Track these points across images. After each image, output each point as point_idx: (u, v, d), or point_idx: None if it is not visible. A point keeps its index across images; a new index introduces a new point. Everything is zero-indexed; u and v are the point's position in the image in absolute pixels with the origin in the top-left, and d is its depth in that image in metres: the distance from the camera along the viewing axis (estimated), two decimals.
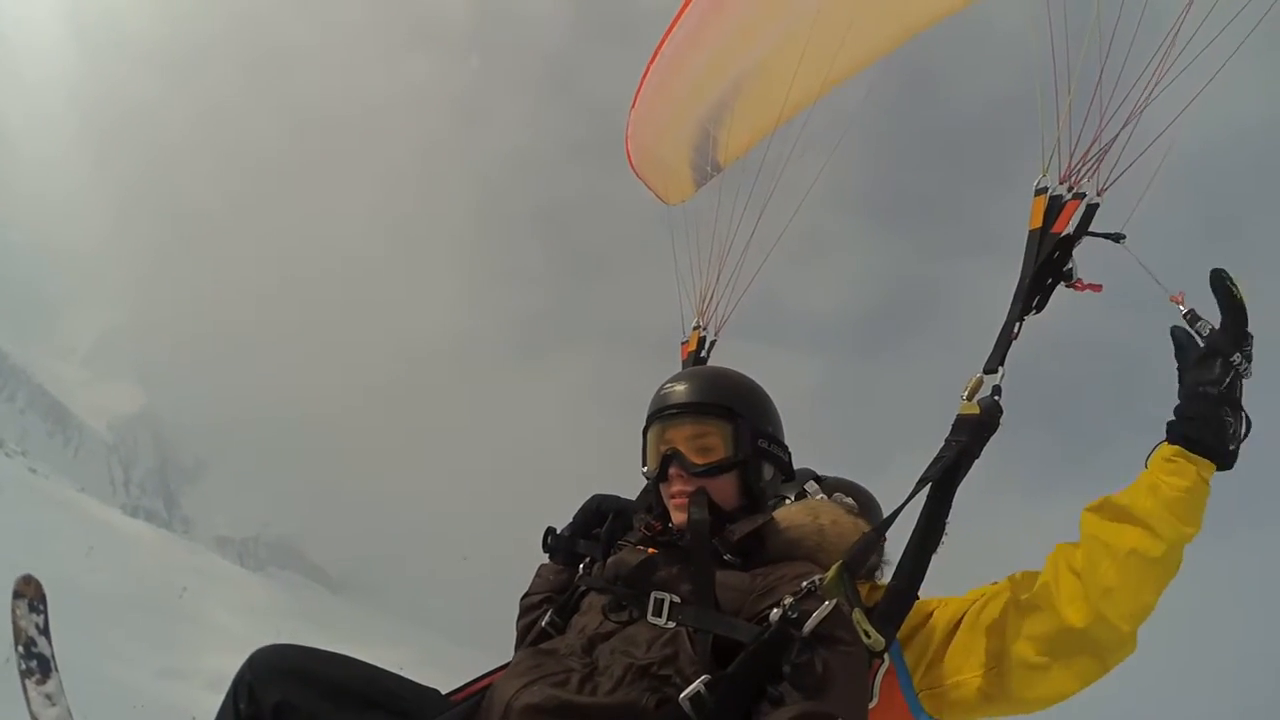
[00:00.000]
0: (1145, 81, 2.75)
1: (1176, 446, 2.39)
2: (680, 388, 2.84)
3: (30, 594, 3.58)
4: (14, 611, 3.54)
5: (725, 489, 2.74)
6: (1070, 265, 2.76)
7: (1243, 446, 2.40)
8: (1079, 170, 2.82)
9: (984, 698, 2.50)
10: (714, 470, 2.73)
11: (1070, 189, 2.82)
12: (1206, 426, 2.35)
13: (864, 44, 3.99)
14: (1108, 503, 2.44)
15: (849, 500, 3.31)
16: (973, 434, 2.52)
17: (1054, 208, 2.81)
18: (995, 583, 2.67)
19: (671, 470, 2.77)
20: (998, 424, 2.55)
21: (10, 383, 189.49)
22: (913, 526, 2.54)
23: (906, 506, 2.51)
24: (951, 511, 2.54)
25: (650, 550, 2.69)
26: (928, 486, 2.50)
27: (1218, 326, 2.46)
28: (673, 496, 2.77)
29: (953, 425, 2.59)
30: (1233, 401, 2.38)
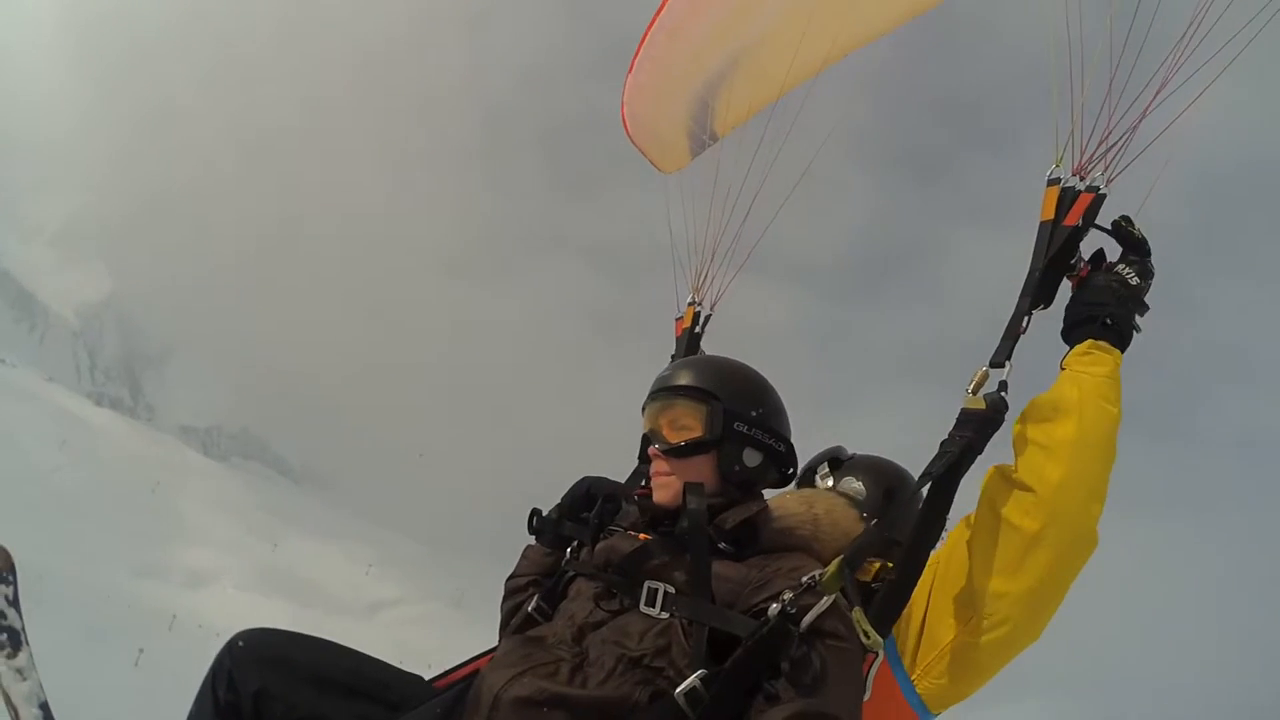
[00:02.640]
0: (1163, 72, 2.71)
1: (1090, 341, 2.55)
2: (668, 373, 2.81)
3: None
4: None
5: (701, 471, 2.64)
6: (1077, 258, 2.73)
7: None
8: (1092, 162, 2.75)
9: (973, 649, 2.49)
10: (684, 450, 2.64)
11: (1083, 180, 2.76)
12: (1124, 323, 2.58)
13: (870, 19, 3.98)
14: (1033, 406, 2.52)
15: (857, 485, 3.28)
16: (978, 429, 2.46)
17: (1066, 199, 2.75)
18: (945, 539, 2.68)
19: (650, 450, 2.73)
20: (1003, 420, 2.49)
21: None
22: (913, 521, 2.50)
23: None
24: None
25: (643, 537, 2.62)
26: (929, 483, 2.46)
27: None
28: (654, 475, 2.71)
29: (957, 420, 2.52)
30: (1141, 300, 2.62)
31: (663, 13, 4.33)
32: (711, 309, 4.09)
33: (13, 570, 3.31)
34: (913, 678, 2.59)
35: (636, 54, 4.53)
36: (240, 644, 2.45)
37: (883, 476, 3.32)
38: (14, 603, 3.24)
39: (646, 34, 4.48)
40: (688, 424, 2.69)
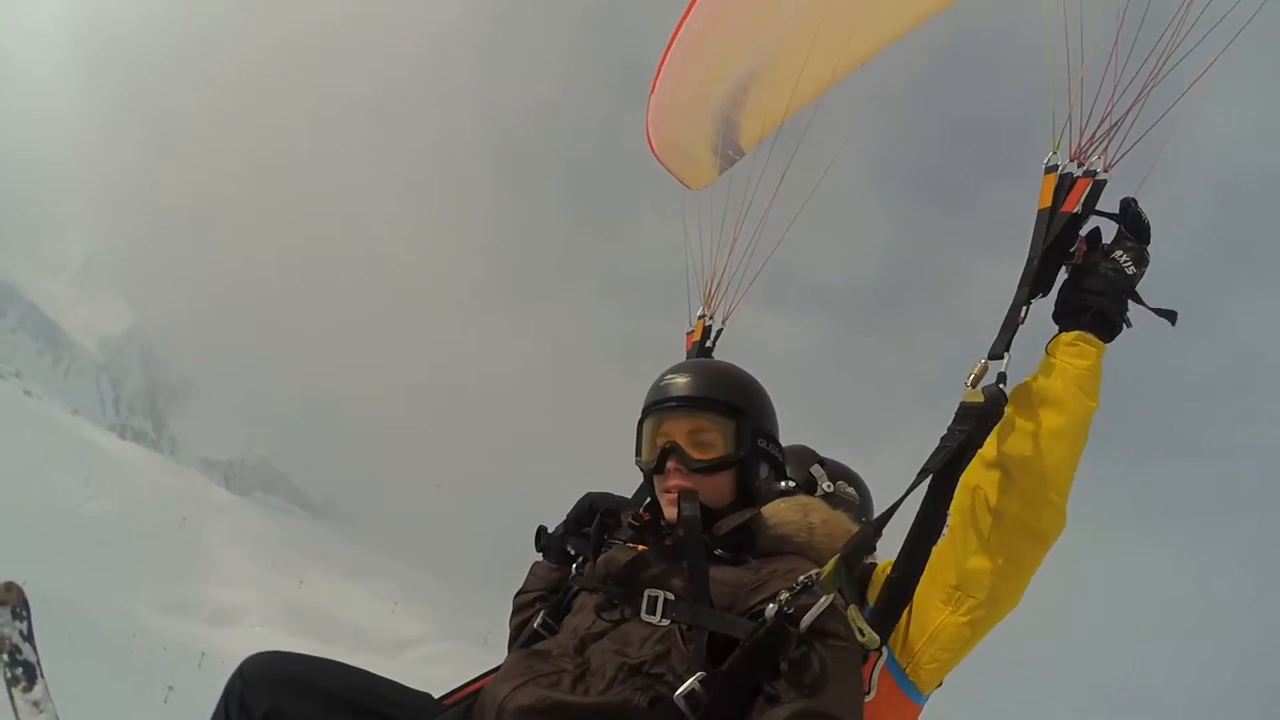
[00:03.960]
0: (1159, 55, 2.69)
1: (1078, 332, 2.59)
2: (681, 380, 2.74)
3: (12, 601, 3.50)
4: None
5: (720, 486, 2.67)
6: (1075, 245, 2.72)
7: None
8: (1090, 148, 2.75)
9: (953, 627, 2.53)
10: (714, 467, 2.64)
11: (1081, 166, 2.76)
12: (1116, 316, 2.61)
13: (881, 25, 3.96)
14: (1017, 394, 2.58)
15: (851, 491, 3.33)
16: (977, 423, 2.48)
17: (1064, 186, 2.75)
18: None
19: (670, 464, 2.67)
20: (1003, 412, 2.52)
21: (1, 300, 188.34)
22: (911, 517, 2.52)
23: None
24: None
25: (640, 548, 2.65)
26: (929, 478, 2.48)
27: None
28: (667, 490, 2.67)
29: (956, 414, 2.53)
30: (1133, 289, 2.64)
31: (681, 31, 4.37)
32: (724, 323, 4.08)
33: (25, 605, 3.50)
34: (905, 666, 2.59)
35: (658, 74, 4.57)
36: (250, 666, 2.47)
37: (859, 484, 3.47)
38: (28, 637, 3.42)
39: (666, 53, 4.49)
40: (712, 440, 2.67)
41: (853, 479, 3.46)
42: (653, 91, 4.66)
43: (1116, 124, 2.72)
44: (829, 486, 3.26)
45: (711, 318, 4.08)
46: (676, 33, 4.40)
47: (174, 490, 41.72)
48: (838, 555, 2.21)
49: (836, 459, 3.50)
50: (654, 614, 2.41)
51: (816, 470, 3.31)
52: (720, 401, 2.70)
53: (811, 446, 3.45)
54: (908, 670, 2.58)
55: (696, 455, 2.65)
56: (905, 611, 2.61)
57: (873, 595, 2.66)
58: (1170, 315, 2.69)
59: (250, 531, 44.83)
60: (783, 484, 2.85)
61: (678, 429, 2.70)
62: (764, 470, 2.77)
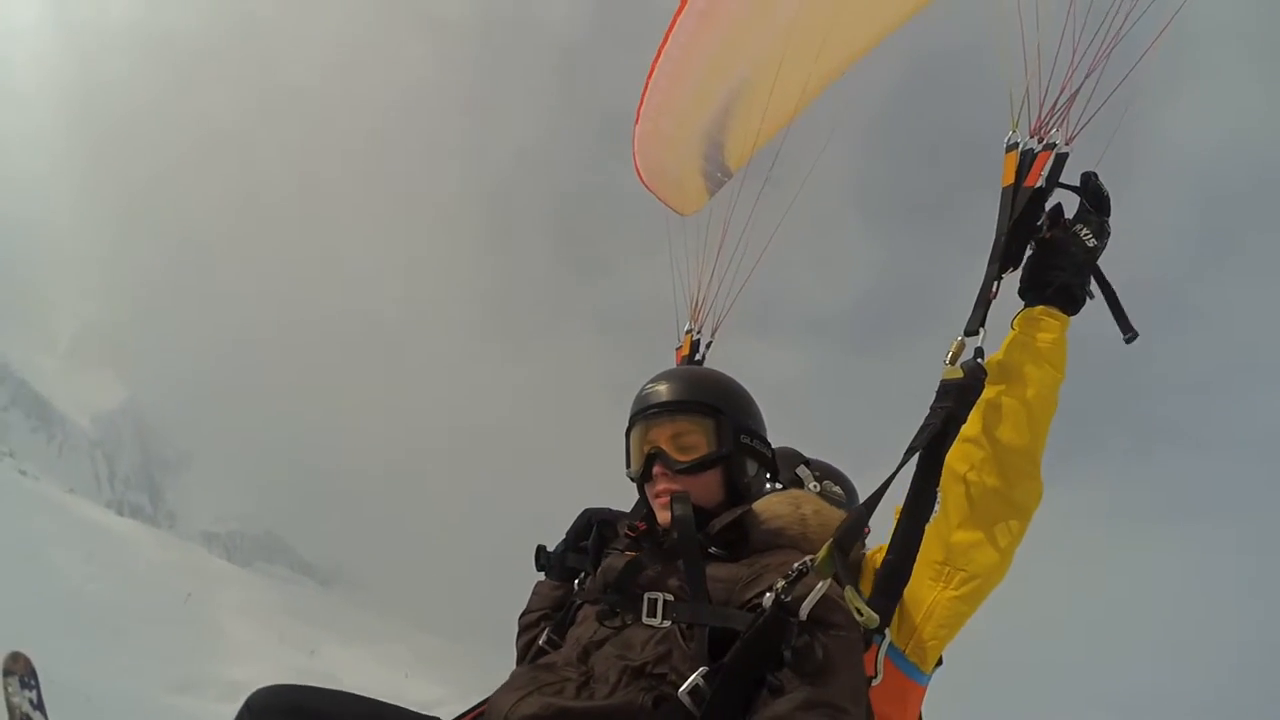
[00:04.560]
0: (1115, 21, 2.73)
1: (1042, 306, 2.65)
2: (661, 387, 2.82)
3: (20, 670, 3.57)
4: (5, 689, 3.51)
5: (709, 485, 2.70)
6: (1042, 219, 2.76)
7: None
8: (1049, 122, 2.80)
9: (947, 602, 2.53)
10: (697, 467, 2.68)
11: (1041, 141, 2.80)
12: (1078, 289, 2.67)
13: (849, 41, 4.03)
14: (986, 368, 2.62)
15: (838, 490, 3.44)
16: (958, 398, 2.54)
17: (1025, 162, 2.80)
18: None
19: (655, 469, 2.73)
20: (983, 385, 2.58)
21: None
22: (903, 498, 2.57)
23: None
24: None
25: (635, 554, 2.68)
26: (916, 456, 2.53)
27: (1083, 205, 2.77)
28: (657, 495, 2.72)
29: (937, 391, 2.59)
30: (1095, 265, 2.71)
31: (660, 59, 4.41)
32: (712, 336, 4.10)
33: (34, 674, 3.58)
34: (903, 648, 2.57)
35: (640, 103, 4.61)
36: (258, 699, 2.45)
37: (845, 482, 3.64)
38: (39, 706, 3.52)
39: (647, 83, 4.53)
40: (694, 441, 2.71)
41: (839, 478, 3.62)
42: (637, 121, 4.73)
43: (1075, 94, 2.76)
44: (815, 486, 3.32)
45: (699, 332, 4.13)
46: (656, 61, 4.46)
47: (176, 565, 41.16)
48: (831, 539, 2.22)
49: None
50: (654, 616, 2.43)
51: (803, 471, 3.38)
52: (697, 402, 2.76)
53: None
54: (906, 651, 2.57)
55: (680, 457, 2.70)
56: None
57: (865, 585, 2.63)
58: (1128, 333, 2.76)
59: (256, 603, 44.09)
60: (768, 486, 2.93)
61: (660, 435, 2.76)
62: (752, 467, 2.80)
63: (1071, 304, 2.67)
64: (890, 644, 2.58)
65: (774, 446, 3.19)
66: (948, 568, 2.54)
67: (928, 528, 2.60)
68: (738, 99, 4.50)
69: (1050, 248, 2.71)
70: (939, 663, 2.67)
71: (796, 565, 2.24)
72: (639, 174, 4.95)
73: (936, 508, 2.62)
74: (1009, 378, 2.60)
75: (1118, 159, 2.91)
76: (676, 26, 4.32)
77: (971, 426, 2.57)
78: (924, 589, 2.57)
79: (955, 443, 2.59)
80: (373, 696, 2.64)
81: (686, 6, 4.25)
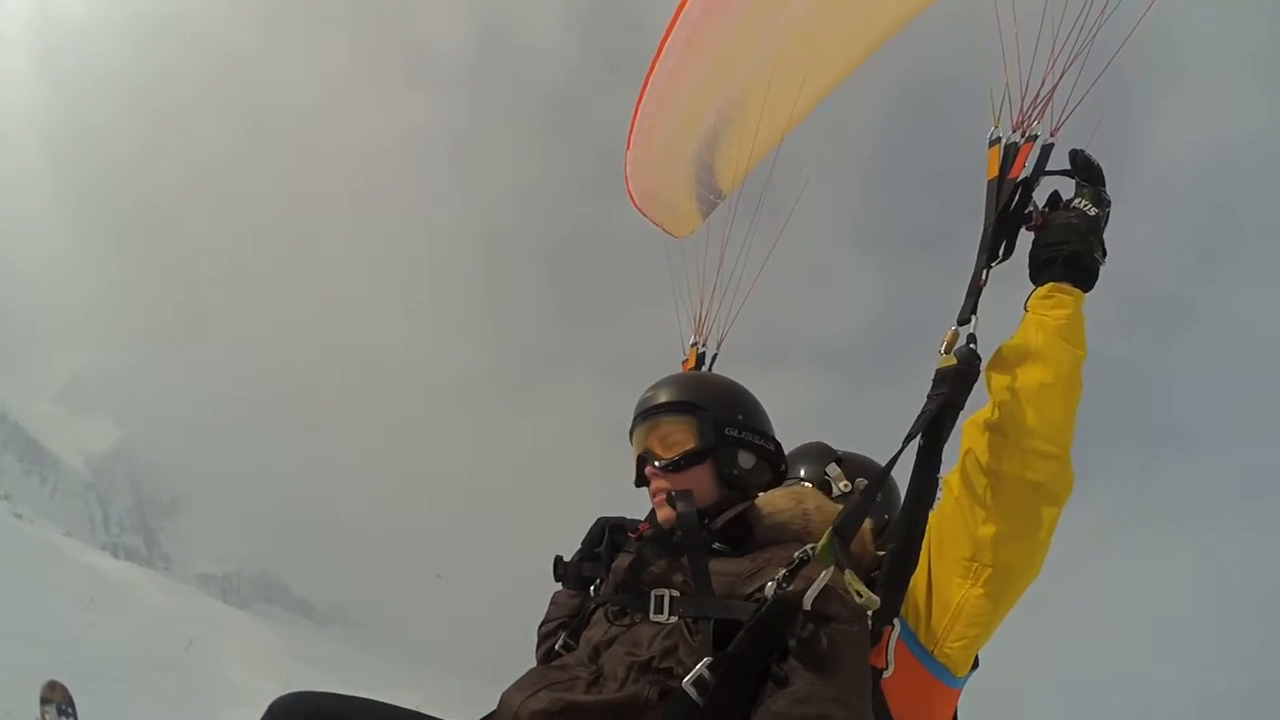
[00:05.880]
0: (1090, 10, 2.72)
1: (1051, 283, 2.59)
2: (649, 394, 2.88)
3: (57, 699, 3.87)
4: (43, 718, 3.55)
5: (700, 480, 2.72)
6: (1030, 209, 2.74)
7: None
8: (1030, 114, 2.80)
9: (974, 600, 2.46)
10: (681, 463, 2.72)
11: (1023, 134, 2.80)
12: (1087, 256, 2.59)
13: (834, 61, 4.09)
14: (1001, 353, 2.58)
15: (858, 482, 3.31)
16: (954, 384, 2.52)
17: (1009, 155, 2.80)
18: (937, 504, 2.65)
19: (647, 470, 2.79)
20: (977, 371, 2.55)
21: None
22: (905, 487, 2.54)
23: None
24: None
25: (640, 553, 2.70)
26: (915, 444, 2.50)
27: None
28: (654, 495, 2.78)
29: (933, 380, 2.57)
30: (1100, 231, 2.64)
31: (649, 84, 4.45)
32: (718, 348, 4.14)
33: (70, 703, 4.25)
34: (932, 648, 2.50)
35: (631, 129, 4.64)
36: (280, 706, 2.43)
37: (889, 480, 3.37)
38: None
39: (637, 108, 4.57)
40: (679, 439, 2.76)
41: (874, 468, 3.41)
42: (628, 147, 4.76)
43: (1055, 85, 2.75)
44: (846, 486, 3.23)
45: (704, 344, 4.16)
46: (645, 86, 4.48)
47: (176, 611, 41.08)
48: (831, 527, 2.21)
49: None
50: (661, 613, 2.45)
51: (832, 470, 3.30)
52: (677, 402, 2.80)
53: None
54: (935, 652, 2.50)
55: (665, 455, 2.75)
56: (925, 591, 2.56)
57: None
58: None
59: (258, 647, 44.04)
60: (787, 480, 2.93)
61: (648, 437, 2.81)
62: (746, 459, 2.80)
63: (1084, 276, 2.61)
64: (916, 641, 2.53)
65: (806, 442, 3.36)
66: (975, 564, 2.48)
67: (955, 523, 2.55)
68: (726, 121, 4.55)
69: (1050, 228, 2.67)
70: (974, 665, 2.60)
71: (797, 555, 2.30)
72: (631, 198, 4.98)
73: (940, 495, 2.57)
74: (1027, 359, 2.53)
75: (1113, 164, 2.80)
76: (663, 53, 4.34)
77: (993, 415, 2.53)
78: (952, 587, 2.52)
79: (976, 432, 2.55)
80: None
81: (671, 34, 4.26)
